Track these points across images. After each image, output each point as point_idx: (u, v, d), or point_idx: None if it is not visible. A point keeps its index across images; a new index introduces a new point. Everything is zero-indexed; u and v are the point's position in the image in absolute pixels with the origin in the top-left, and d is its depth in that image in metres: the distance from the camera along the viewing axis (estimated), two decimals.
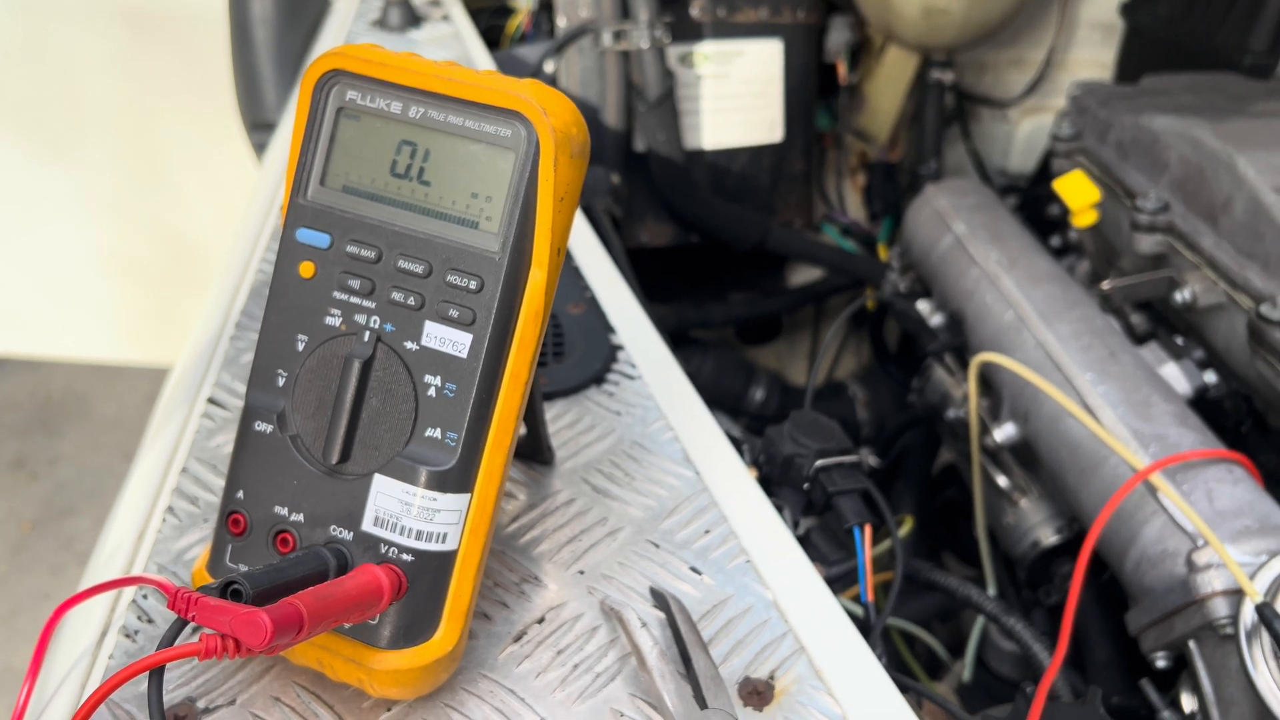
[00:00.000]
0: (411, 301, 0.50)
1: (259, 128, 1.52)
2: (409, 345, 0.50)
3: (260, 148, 1.53)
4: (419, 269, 0.50)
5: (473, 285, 0.49)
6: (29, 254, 2.35)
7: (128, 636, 0.56)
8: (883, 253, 1.60)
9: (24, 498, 2.44)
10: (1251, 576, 0.71)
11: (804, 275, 1.69)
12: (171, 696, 0.53)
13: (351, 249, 0.51)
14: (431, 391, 0.50)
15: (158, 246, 2.34)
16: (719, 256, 1.55)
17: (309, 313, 0.51)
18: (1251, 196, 0.95)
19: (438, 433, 0.50)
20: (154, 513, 0.64)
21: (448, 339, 0.50)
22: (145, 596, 0.59)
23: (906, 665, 1.10)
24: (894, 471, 1.33)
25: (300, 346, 0.51)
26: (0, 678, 2.00)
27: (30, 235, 2.32)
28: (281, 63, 1.48)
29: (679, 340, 1.51)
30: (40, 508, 2.41)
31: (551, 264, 0.50)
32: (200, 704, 0.53)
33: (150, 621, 0.57)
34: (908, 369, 1.38)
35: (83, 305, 2.43)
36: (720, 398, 1.46)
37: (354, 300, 0.51)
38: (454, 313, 0.49)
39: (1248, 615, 0.70)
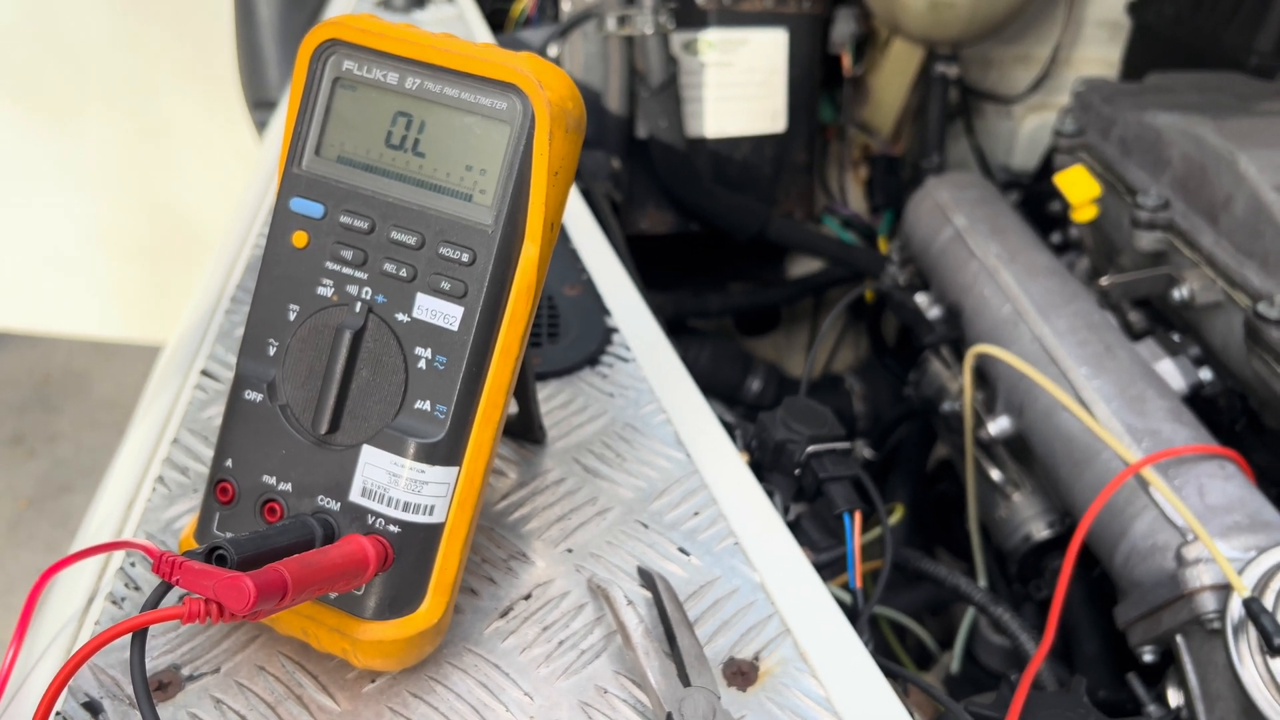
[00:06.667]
0: (403, 273, 0.50)
1: (261, 106, 1.52)
2: (400, 317, 0.50)
3: (262, 126, 1.52)
4: (412, 240, 0.50)
5: (465, 258, 0.49)
6: (29, 229, 2.35)
7: (114, 603, 0.56)
8: (883, 246, 1.60)
9: (21, 474, 2.44)
10: (1240, 571, 0.71)
11: (803, 267, 1.69)
12: (156, 664, 0.53)
13: (345, 219, 0.51)
14: (422, 364, 0.50)
15: (158, 224, 2.33)
16: (719, 246, 1.54)
17: (301, 283, 0.51)
18: (1252, 195, 0.95)
19: (427, 405, 0.50)
20: (144, 482, 0.64)
21: (439, 311, 0.50)
22: (133, 564, 0.59)
23: (895, 655, 1.10)
24: (889, 465, 1.33)
25: (292, 316, 0.51)
26: None
27: (30, 210, 2.32)
28: (285, 41, 1.47)
29: (677, 329, 1.51)
30: (37, 485, 2.41)
31: (545, 239, 0.50)
32: (184, 671, 0.53)
33: (137, 589, 0.57)
34: (905, 363, 1.38)
35: (82, 282, 2.43)
36: (717, 388, 1.46)
37: (346, 271, 0.51)
38: (446, 285, 0.49)
39: (1235, 610, 0.70)
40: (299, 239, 0.51)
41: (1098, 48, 1.60)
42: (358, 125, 0.51)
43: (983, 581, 1.08)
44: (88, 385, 2.70)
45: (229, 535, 0.51)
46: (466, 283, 0.49)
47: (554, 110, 0.48)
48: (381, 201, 0.50)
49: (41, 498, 2.38)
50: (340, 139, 0.51)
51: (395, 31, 0.50)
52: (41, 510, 2.35)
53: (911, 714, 0.54)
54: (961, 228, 1.21)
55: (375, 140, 0.51)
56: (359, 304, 0.50)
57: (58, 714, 0.50)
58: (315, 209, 0.51)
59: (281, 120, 1.13)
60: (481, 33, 1.26)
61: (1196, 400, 0.99)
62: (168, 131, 2.21)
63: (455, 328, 0.49)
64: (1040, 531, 1.02)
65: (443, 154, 0.50)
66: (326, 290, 0.51)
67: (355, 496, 0.50)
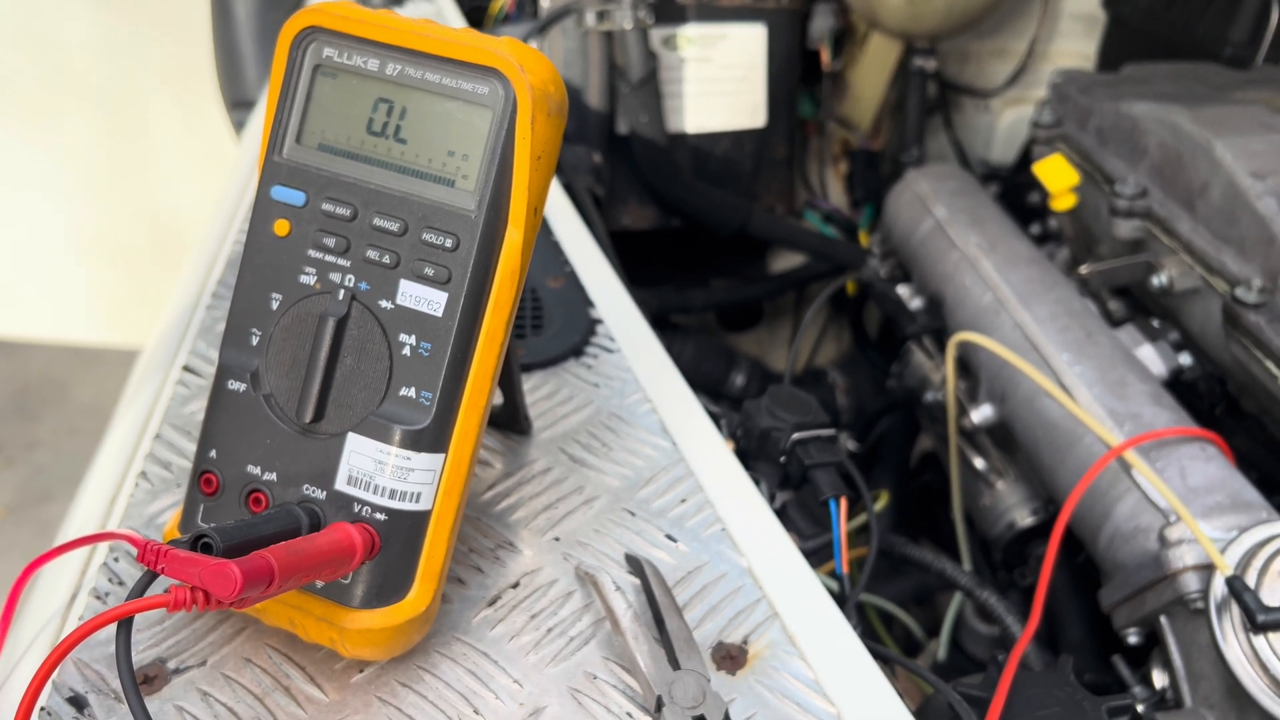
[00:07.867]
0: (387, 260, 0.50)
1: (239, 106, 1.51)
2: (384, 304, 0.50)
3: (240, 126, 1.51)
4: (394, 227, 0.50)
5: (448, 244, 0.49)
6: (5, 233, 2.33)
7: (98, 598, 0.56)
8: (864, 240, 1.60)
9: (0, 483, 2.42)
10: (1222, 551, 0.71)
11: (785, 262, 1.69)
12: (142, 657, 0.53)
13: (327, 207, 0.50)
14: (406, 350, 0.50)
15: (137, 227, 2.32)
16: (701, 241, 1.54)
17: (283, 271, 0.51)
18: (1228, 181, 0.96)
19: (412, 392, 0.49)
20: (127, 478, 0.64)
21: (423, 297, 0.49)
22: (117, 559, 0.58)
23: (883, 643, 1.10)
24: (873, 457, 1.34)
25: (274, 305, 0.51)
26: None
27: (6, 214, 2.30)
28: (263, 40, 1.47)
29: (660, 325, 1.51)
30: (16, 493, 2.39)
31: (528, 224, 0.50)
32: (171, 665, 0.53)
33: (121, 584, 0.57)
34: (888, 355, 1.39)
35: (61, 286, 2.41)
36: (700, 383, 1.46)
37: (329, 258, 0.50)
38: (429, 271, 0.49)
39: (1218, 589, 0.70)
40: (281, 227, 0.51)
41: (1074, 41, 1.61)
42: (338, 112, 0.51)
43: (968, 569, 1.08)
44: (66, 393, 2.68)
45: (214, 525, 0.51)
46: (450, 268, 0.49)
47: (536, 94, 0.48)
48: (363, 188, 0.50)
49: (21, 506, 2.36)
50: (321, 126, 0.51)
51: (375, 18, 0.50)
52: (21, 518, 2.33)
53: (899, 697, 0.54)
54: (942, 218, 1.22)
55: (356, 127, 0.51)
56: (342, 291, 0.50)
57: (42, 709, 0.50)
58: (297, 197, 0.51)
59: (261, 114, 1.13)
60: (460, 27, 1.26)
61: (1177, 385, 1.00)
62: (147, 134, 2.19)
63: (440, 314, 0.49)
64: (1024, 519, 1.02)
65: (424, 140, 0.50)
66: (309, 278, 0.51)
67: (341, 485, 0.50)
